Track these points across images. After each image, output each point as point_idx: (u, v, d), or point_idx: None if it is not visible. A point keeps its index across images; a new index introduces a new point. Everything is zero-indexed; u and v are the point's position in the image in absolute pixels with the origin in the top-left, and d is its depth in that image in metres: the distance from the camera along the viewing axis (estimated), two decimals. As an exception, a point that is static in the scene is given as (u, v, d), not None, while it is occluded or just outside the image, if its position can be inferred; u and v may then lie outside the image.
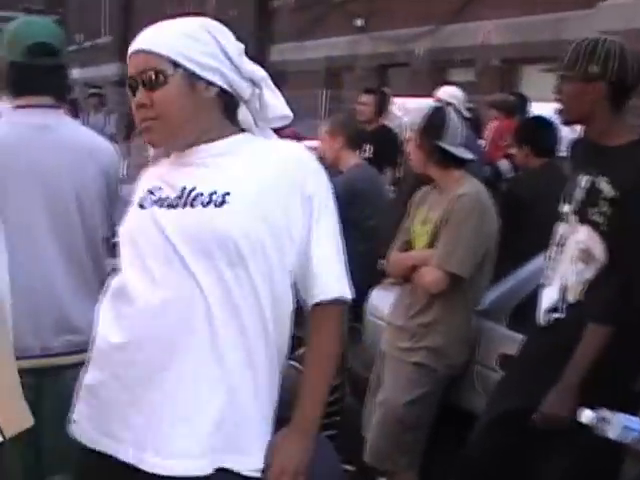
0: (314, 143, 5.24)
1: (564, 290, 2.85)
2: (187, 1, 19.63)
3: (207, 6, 20.05)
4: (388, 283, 4.18)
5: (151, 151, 8.25)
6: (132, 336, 1.94)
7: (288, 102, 2.12)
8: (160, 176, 2.05)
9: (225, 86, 1.99)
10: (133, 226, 2.04)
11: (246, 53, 2.05)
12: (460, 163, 3.57)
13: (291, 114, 2.12)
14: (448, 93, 6.97)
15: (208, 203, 1.93)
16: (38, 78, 2.70)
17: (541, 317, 2.92)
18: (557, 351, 2.78)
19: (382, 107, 7.57)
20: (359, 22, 16.90)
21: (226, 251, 1.90)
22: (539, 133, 4.88)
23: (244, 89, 2.02)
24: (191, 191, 1.95)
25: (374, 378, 3.76)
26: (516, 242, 4.05)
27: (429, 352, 3.48)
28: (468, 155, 3.58)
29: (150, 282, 1.93)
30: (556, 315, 2.86)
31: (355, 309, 4.55)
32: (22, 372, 2.59)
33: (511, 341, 3.31)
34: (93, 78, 24.25)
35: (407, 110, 10.42)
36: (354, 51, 17.40)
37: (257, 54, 20.10)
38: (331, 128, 5.02)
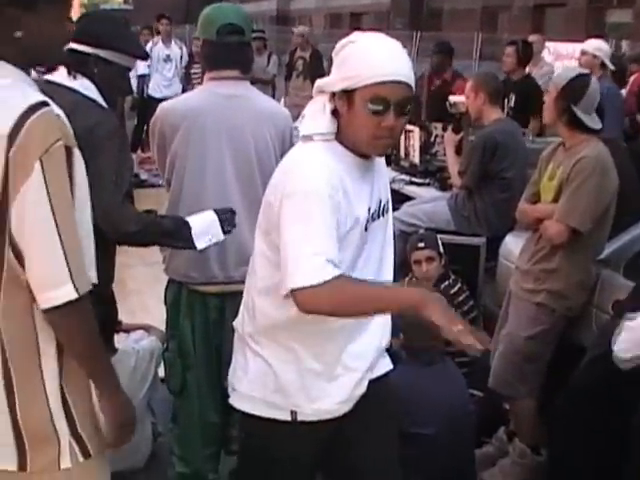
0: (462, 98, 5.51)
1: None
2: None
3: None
4: (520, 229, 4.35)
5: (307, 91, 8.80)
6: None
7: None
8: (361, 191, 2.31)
9: None
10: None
11: None
12: (587, 129, 3.65)
13: None
14: (594, 46, 6.78)
15: (386, 211, 2.45)
16: (226, 54, 3.06)
17: (643, 270, 3.23)
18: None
19: (525, 57, 7.52)
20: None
21: None
22: None
23: None
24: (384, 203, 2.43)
25: (502, 314, 4.02)
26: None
27: (549, 294, 3.69)
28: (597, 125, 3.65)
29: None
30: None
31: (492, 252, 4.94)
32: (210, 295, 3.20)
33: (625, 289, 3.51)
34: (251, 14, 24.82)
35: (558, 55, 10.50)
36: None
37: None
38: (474, 85, 5.09)
